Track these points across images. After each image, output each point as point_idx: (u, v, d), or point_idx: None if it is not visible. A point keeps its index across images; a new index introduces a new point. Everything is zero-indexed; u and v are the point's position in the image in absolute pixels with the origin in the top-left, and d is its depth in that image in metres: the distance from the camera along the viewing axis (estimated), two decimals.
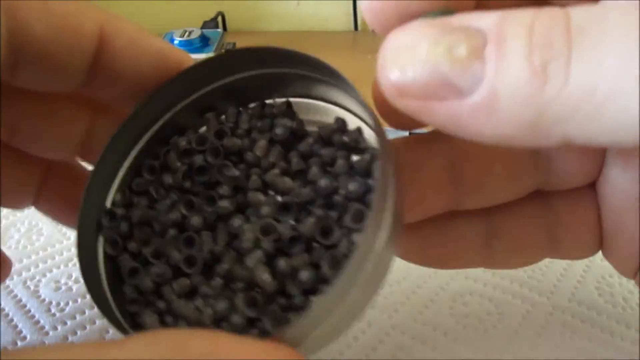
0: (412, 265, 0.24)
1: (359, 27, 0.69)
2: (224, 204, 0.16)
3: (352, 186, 0.15)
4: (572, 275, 0.24)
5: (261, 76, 0.18)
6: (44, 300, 0.23)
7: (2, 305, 0.22)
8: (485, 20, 0.12)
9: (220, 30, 0.58)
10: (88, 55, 0.16)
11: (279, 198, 0.16)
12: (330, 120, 0.17)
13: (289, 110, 0.18)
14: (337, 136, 0.16)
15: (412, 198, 0.17)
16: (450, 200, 0.18)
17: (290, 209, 0.16)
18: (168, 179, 0.17)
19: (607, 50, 0.11)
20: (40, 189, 0.19)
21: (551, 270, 0.24)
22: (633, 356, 0.20)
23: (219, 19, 0.63)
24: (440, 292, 0.23)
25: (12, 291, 0.23)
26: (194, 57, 0.59)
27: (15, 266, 0.24)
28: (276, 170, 0.16)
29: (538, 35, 0.11)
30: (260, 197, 0.16)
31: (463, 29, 0.12)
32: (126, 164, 0.18)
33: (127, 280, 0.16)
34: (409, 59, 0.13)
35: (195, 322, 0.15)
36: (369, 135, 0.16)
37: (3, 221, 0.27)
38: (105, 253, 0.17)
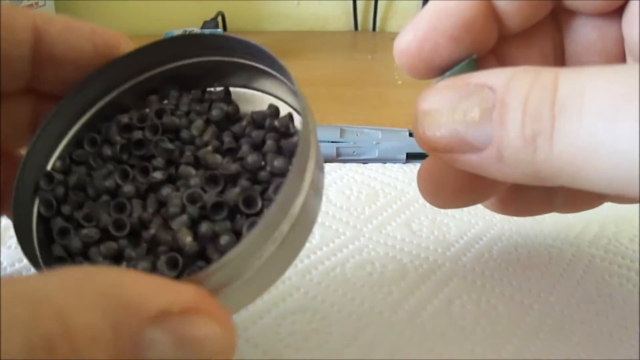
0: (410, 267, 0.25)
1: (359, 27, 0.69)
2: (156, 174, 0.17)
3: (278, 162, 0.16)
4: (572, 275, 0.24)
5: (204, 64, 0.19)
6: None
7: None
8: (497, 80, 0.15)
9: (220, 30, 0.58)
10: (26, 46, 0.17)
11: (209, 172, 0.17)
12: (265, 108, 0.18)
13: (226, 97, 0.19)
14: (268, 120, 0.18)
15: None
16: None
17: (218, 181, 0.17)
18: (107, 150, 0.18)
19: (582, 128, 0.13)
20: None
21: (551, 270, 0.25)
22: (633, 356, 0.20)
23: (219, 19, 0.63)
24: (439, 293, 0.23)
25: None
26: None
27: (15, 266, 0.24)
28: (209, 148, 0.18)
29: (530, 109, 0.14)
30: (191, 170, 0.17)
31: (478, 90, 0.15)
32: (69, 135, 0.19)
33: (56, 239, 0.17)
34: (434, 123, 0.16)
35: None
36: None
37: (3, 221, 0.27)
38: (39, 215, 0.18)
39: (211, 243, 0.16)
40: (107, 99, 0.19)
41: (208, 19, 0.60)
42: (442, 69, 0.18)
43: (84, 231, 0.17)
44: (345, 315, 0.22)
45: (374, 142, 0.34)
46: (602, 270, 0.25)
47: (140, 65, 0.19)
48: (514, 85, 0.14)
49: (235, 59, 0.19)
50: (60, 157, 0.19)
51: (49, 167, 0.19)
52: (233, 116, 0.19)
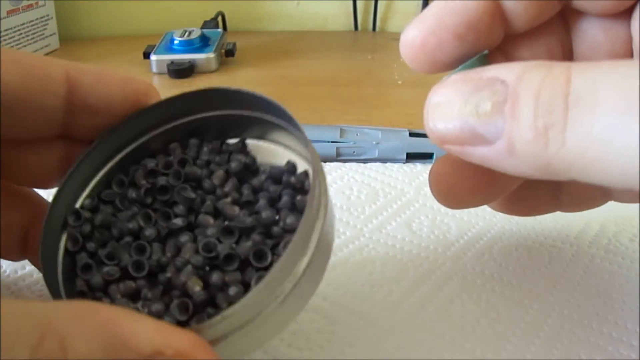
0: (410, 267, 0.25)
1: (359, 27, 0.69)
2: (177, 221, 0.18)
3: (290, 219, 0.17)
4: (572, 275, 0.24)
5: (223, 116, 0.20)
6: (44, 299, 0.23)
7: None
8: (509, 74, 0.15)
9: (220, 30, 0.58)
10: (60, 96, 0.18)
11: (226, 223, 0.18)
12: (280, 161, 0.19)
13: (243, 148, 0.20)
14: (285, 176, 0.19)
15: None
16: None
17: (233, 233, 0.18)
18: (132, 193, 0.19)
19: (595, 122, 0.13)
20: (26, 235, 0.21)
21: (551, 270, 0.25)
22: (633, 356, 0.20)
23: (219, 19, 0.63)
24: (439, 293, 0.23)
25: (16, 298, 0.23)
26: (195, 57, 0.59)
27: (18, 273, 0.24)
28: (228, 199, 0.19)
29: (542, 102, 0.14)
30: (210, 219, 0.18)
31: (490, 84, 0.15)
32: (98, 176, 0.20)
33: (79, 274, 0.18)
34: (445, 115, 0.16)
35: None
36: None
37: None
38: (65, 249, 0.19)
39: (221, 292, 0.16)
40: (133, 145, 0.20)
41: (208, 18, 0.60)
42: (446, 65, 0.18)
43: (106, 269, 0.18)
44: (346, 315, 0.22)
45: (374, 142, 0.34)
46: (602, 270, 0.25)
47: (166, 114, 0.20)
48: (527, 78, 0.14)
49: (253, 114, 0.20)
50: (89, 196, 0.20)
51: (77, 205, 0.20)
52: (251, 167, 0.20)
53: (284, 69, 0.54)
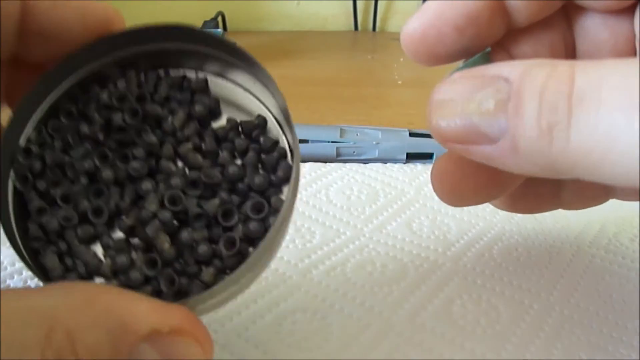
0: (410, 267, 0.25)
1: (359, 27, 0.69)
2: (137, 165, 0.18)
3: (258, 179, 0.17)
4: (573, 275, 0.24)
5: (183, 50, 0.19)
6: None
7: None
8: (513, 72, 0.15)
9: (220, 30, 0.58)
10: (13, 18, 0.17)
11: (187, 171, 0.18)
12: (240, 102, 0.19)
13: (206, 88, 0.19)
14: (255, 132, 0.18)
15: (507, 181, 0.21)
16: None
17: (198, 186, 0.17)
18: (84, 128, 0.18)
19: (600, 120, 0.13)
20: None
21: (551, 270, 0.25)
22: (633, 356, 0.20)
23: (219, 19, 0.63)
24: (439, 293, 0.23)
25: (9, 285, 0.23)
26: None
27: (15, 265, 0.24)
28: (189, 145, 0.18)
29: (546, 100, 0.14)
30: (171, 166, 0.18)
31: (494, 82, 0.15)
32: (45, 104, 0.19)
33: (33, 218, 0.17)
34: (448, 113, 0.16)
35: (94, 269, 0.17)
36: (276, 130, 0.18)
37: None
38: (14, 188, 0.18)
39: (188, 250, 0.17)
40: (83, 70, 0.19)
41: (208, 19, 0.60)
42: (447, 57, 0.18)
43: (63, 213, 0.17)
44: (346, 315, 0.22)
45: (374, 142, 0.34)
46: (603, 270, 0.25)
47: (125, 44, 0.19)
48: (530, 76, 0.14)
49: (217, 54, 0.19)
50: (36, 129, 0.18)
51: (23, 138, 0.18)
52: (214, 111, 0.19)
53: (284, 69, 0.54)
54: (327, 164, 0.33)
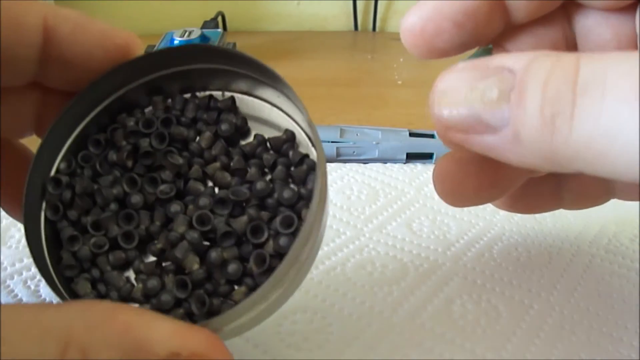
0: (410, 267, 0.25)
1: (359, 27, 0.69)
2: (165, 188, 0.18)
3: (287, 194, 0.17)
4: (573, 275, 0.24)
5: (209, 70, 0.19)
6: (44, 299, 0.23)
7: (2, 305, 0.22)
8: (517, 63, 0.14)
9: (220, 30, 0.57)
10: (35, 47, 0.17)
11: (217, 190, 0.18)
12: (267, 117, 0.19)
13: (233, 106, 0.19)
14: (284, 147, 0.18)
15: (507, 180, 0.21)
16: (528, 172, 0.21)
17: (226, 204, 0.17)
18: (112, 155, 0.18)
19: (604, 111, 0.13)
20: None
21: (551, 270, 0.25)
22: (633, 356, 0.20)
23: (219, 19, 0.62)
24: (439, 293, 0.23)
25: (12, 290, 0.23)
26: None
27: (16, 266, 0.24)
28: (217, 164, 0.18)
29: (550, 90, 0.14)
30: (200, 186, 0.18)
31: (498, 72, 0.15)
32: (74, 134, 0.19)
33: (65, 246, 0.17)
34: (451, 102, 0.16)
35: (127, 294, 0.17)
36: (305, 143, 0.18)
37: (3, 221, 0.27)
38: (45, 218, 0.18)
39: (218, 269, 0.16)
40: (112, 97, 0.19)
41: (208, 19, 0.60)
42: (446, 51, 0.18)
43: (93, 240, 0.17)
44: (346, 315, 0.22)
45: (374, 142, 0.34)
46: (602, 270, 0.25)
47: (147, 67, 0.19)
48: (535, 66, 0.14)
49: (242, 71, 0.19)
50: (64, 159, 0.19)
51: (55, 168, 0.19)
52: (242, 129, 0.19)
53: (284, 69, 0.53)
54: (327, 163, 0.33)
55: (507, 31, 0.19)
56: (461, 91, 0.15)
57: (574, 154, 0.14)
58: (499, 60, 0.15)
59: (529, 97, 0.14)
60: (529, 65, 0.14)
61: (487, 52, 0.18)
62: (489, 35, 0.19)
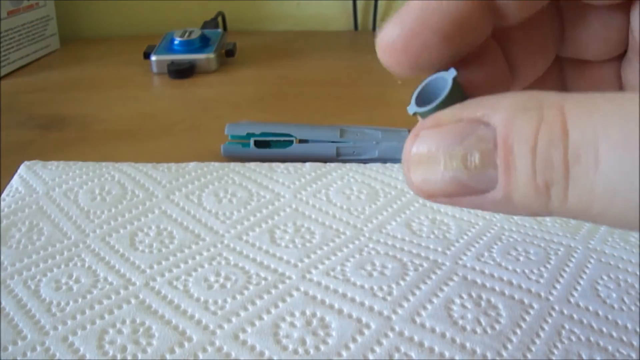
0: (410, 266, 0.25)
1: (359, 27, 0.69)
2: None
3: None
4: (573, 275, 0.24)
5: None
6: (44, 299, 0.23)
7: (2, 305, 0.22)
8: (493, 116, 0.14)
9: (220, 30, 0.58)
10: None
11: None
12: None
13: None
14: None
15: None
16: None
17: None
18: None
19: (598, 179, 0.12)
20: None
21: (551, 270, 0.25)
22: (633, 356, 0.20)
23: (219, 19, 0.63)
24: (439, 293, 0.23)
25: (12, 290, 0.23)
26: (195, 57, 0.59)
27: (16, 266, 0.24)
28: None
29: (540, 156, 0.13)
30: None
31: (473, 128, 0.14)
32: None
33: None
34: (429, 171, 0.15)
35: None
36: None
37: (4, 221, 0.27)
38: None
39: None
40: None
41: (208, 19, 0.60)
42: (429, 67, 0.16)
43: None
44: (346, 315, 0.22)
45: (374, 142, 0.34)
46: (602, 270, 0.25)
47: None
48: (517, 127, 0.13)
49: None
50: None
51: None
52: None
53: (284, 69, 0.54)
54: (327, 164, 0.33)
55: (496, 34, 0.18)
56: (439, 160, 0.14)
57: (571, 215, 0.13)
58: (470, 111, 0.14)
59: (518, 164, 0.13)
60: (509, 125, 0.13)
61: (456, 88, 0.15)
62: (475, 44, 0.17)
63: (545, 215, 0.14)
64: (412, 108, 0.16)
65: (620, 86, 0.19)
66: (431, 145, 0.14)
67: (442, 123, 0.14)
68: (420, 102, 0.16)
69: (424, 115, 0.15)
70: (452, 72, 0.15)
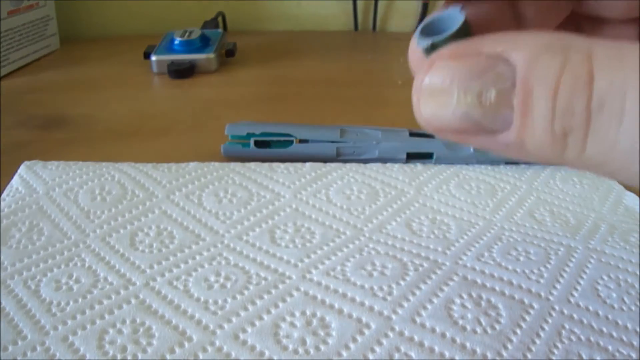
0: (410, 266, 0.25)
1: (359, 27, 0.69)
2: None
3: None
4: (573, 275, 0.24)
5: None
6: (44, 299, 0.23)
7: (2, 305, 0.22)
8: (515, 54, 0.13)
9: (220, 30, 0.58)
10: None
11: None
12: None
13: None
14: None
15: None
16: None
17: None
18: None
19: (622, 132, 0.12)
20: None
21: (551, 270, 0.25)
22: (633, 356, 0.20)
23: (219, 19, 0.63)
24: (439, 292, 0.23)
25: (12, 290, 0.23)
26: (195, 57, 0.59)
27: (16, 266, 0.24)
28: None
29: (560, 103, 0.12)
30: None
31: (492, 64, 0.13)
32: None
33: None
34: (441, 105, 0.14)
35: None
36: None
37: (4, 221, 0.27)
38: None
39: None
40: None
41: (208, 19, 0.60)
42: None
43: None
44: (345, 315, 0.22)
45: (374, 142, 0.34)
46: (602, 270, 0.25)
47: None
48: (539, 67, 0.12)
49: None
50: None
51: None
52: None
53: (284, 69, 0.54)
54: (327, 164, 0.33)
55: None
56: (452, 92, 0.13)
57: (586, 167, 0.13)
58: (491, 45, 0.13)
59: (536, 107, 0.12)
60: (532, 64, 0.12)
61: (465, 28, 0.15)
62: None
63: (558, 164, 0.13)
64: (422, 41, 0.15)
65: None
66: (446, 77, 0.14)
67: (460, 55, 0.14)
68: (425, 36, 0.15)
69: (431, 48, 0.15)
70: (460, 10, 0.15)
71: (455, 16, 0.15)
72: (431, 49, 0.15)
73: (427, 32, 0.15)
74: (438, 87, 0.14)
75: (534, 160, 0.14)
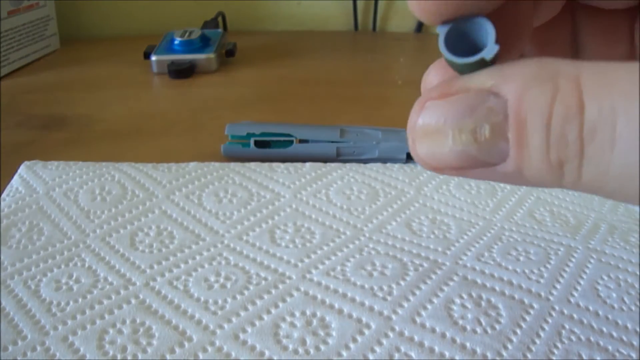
0: (410, 267, 0.25)
1: (359, 27, 0.69)
2: None
3: None
4: (573, 275, 0.24)
5: None
6: (44, 299, 0.23)
7: (2, 305, 0.22)
8: (504, 86, 0.13)
9: (220, 30, 0.58)
10: None
11: None
12: None
13: None
14: None
15: None
16: None
17: None
18: None
19: (615, 159, 0.12)
20: None
21: (551, 270, 0.25)
22: (633, 356, 0.20)
23: (219, 19, 0.63)
24: (439, 292, 0.23)
25: (12, 290, 0.23)
26: (195, 57, 0.59)
27: (16, 266, 0.24)
28: None
29: (554, 132, 0.12)
30: None
31: (482, 99, 0.13)
32: None
33: None
34: (436, 144, 0.14)
35: None
36: None
37: (4, 221, 0.27)
38: None
39: None
40: None
41: (208, 19, 0.60)
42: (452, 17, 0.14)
43: None
44: (345, 315, 0.22)
45: (374, 142, 0.34)
46: (602, 270, 0.25)
47: None
48: (530, 99, 0.12)
49: None
50: None
51: None
52: None
53: (284, 69, 0.54)
54: (327, 164, 0.33)
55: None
56: (446, 132, 0.14)
57: (585, 191, 0.13)
58: (478, 79, 0.13)
59: (531, 139, 0.13)
60: (522, 97, 0.13)
61: (482, 62, 0.14)
62: (491, 8, 0.15)
63: (557, 187, 0.13)
64: (448, 55, 0.14)
65: (631, 41, 0.19)
66: (439, 118, 0.14)
67: (448, 93, 0.14)
68: (451, 46, 0.14)
69: (460, 66, 0.14)
70: (489, 24, 0.14)
71: (486, 28, 0.14)
72: (459, 67, 0.14)
73: (452, 38, 0.15)
74: (432, 128, 0.14)
75: (534, 186, 0.14)
